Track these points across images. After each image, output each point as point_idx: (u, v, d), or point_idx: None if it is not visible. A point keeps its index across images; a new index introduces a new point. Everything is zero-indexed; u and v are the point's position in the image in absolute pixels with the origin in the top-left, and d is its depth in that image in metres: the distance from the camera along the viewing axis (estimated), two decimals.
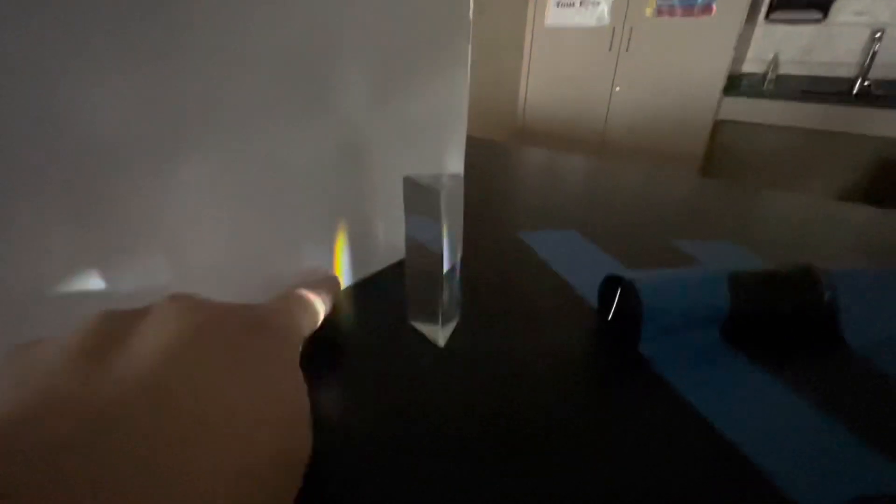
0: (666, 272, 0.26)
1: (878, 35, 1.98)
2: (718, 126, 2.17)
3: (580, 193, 0.52)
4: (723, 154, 2.21)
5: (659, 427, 0.20)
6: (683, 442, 0.19)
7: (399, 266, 0.32)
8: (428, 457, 0.18)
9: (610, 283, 0.28)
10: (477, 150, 0.72)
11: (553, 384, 0.22)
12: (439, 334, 0.24)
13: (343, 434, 0.19)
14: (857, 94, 2.07)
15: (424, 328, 0.25)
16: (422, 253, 0.23)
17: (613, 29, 2.33)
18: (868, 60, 2.02)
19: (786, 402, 0.22)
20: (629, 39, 2.30)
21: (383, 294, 0.29)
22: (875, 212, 0.49)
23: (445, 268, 0.22)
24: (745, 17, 2.00)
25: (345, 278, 0.29)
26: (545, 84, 2.67)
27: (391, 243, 0.31)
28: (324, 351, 0.23)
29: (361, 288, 0.30)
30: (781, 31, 2.24)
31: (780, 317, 0.26)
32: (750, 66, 2.35)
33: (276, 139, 0.22)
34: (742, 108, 2.10)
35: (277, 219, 0.24)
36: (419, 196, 0.21)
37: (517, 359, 0.24)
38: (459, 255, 0.24)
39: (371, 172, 0.28)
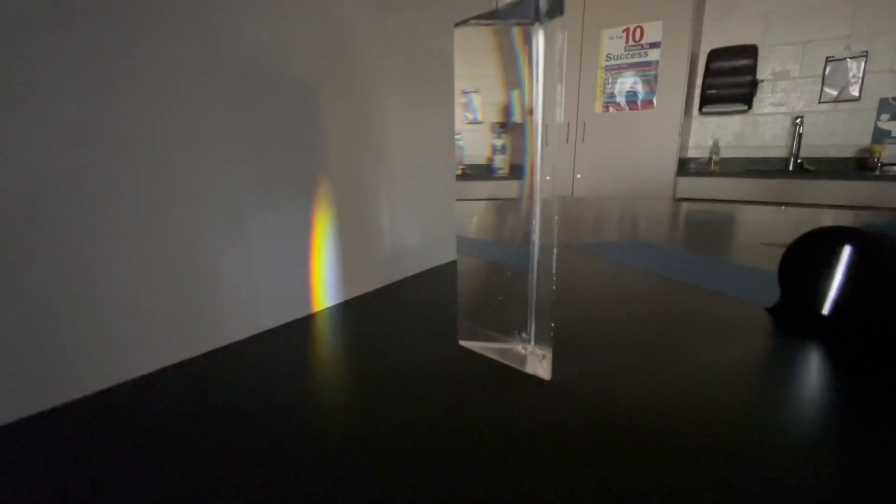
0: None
1: (798, 121, 2.25)
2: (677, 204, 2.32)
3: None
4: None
5: None
6: None
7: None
8: None
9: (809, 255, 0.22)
10: None
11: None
12: (538, 362, 0.20)
13: None
14: (792, 170, 2.30)
15: (498, 352, 0.21)
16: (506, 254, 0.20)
17: (568, 124, 2.56)
18: (796, 142, 2.27)
19: None
20: (584, 132, 2.52)
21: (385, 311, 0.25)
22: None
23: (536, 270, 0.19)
24: (683, 109, 2.25)
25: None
26: None
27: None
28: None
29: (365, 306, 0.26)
30: (715, 121, 2.52)
31: None
32: (694, 152, 2.60)
33: None
34: (697, 187, 2.28)
35: None
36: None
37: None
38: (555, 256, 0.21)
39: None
